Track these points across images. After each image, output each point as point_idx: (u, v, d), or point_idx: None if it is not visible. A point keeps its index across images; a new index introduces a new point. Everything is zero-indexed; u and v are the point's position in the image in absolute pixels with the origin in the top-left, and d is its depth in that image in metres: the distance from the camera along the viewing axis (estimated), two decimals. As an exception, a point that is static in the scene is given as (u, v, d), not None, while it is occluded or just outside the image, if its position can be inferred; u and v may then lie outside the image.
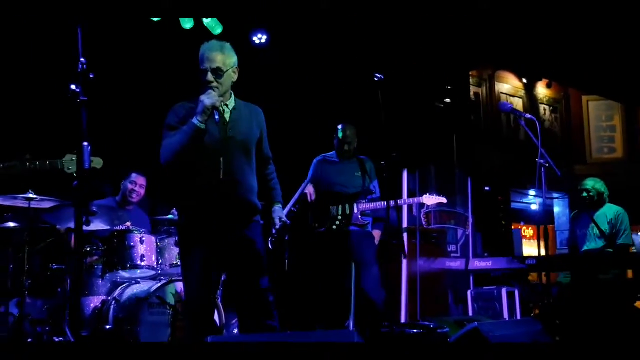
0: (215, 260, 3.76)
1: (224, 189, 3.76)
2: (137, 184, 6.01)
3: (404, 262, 6.60)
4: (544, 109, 11.26)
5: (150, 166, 6.35)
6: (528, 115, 4.92)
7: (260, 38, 7.67)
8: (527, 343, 3.45)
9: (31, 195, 4.70)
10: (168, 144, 3.73)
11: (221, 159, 3.74)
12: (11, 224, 5.07)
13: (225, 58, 3.81)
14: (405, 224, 6.91)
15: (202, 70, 3.77)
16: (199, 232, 3.73)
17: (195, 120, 3.68)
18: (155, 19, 6.77)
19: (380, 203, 5.66)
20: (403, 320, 6.44)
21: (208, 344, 2.87)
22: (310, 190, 5.73)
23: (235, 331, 5.55)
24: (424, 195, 5.92)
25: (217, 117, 3.77)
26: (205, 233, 3.73)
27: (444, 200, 5.94)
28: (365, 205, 5.71)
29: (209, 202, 3.75)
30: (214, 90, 3.75)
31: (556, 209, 11.07)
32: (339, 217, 5.70)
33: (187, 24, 7.03)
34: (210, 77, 3.75)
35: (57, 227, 5.33)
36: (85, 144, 2.87)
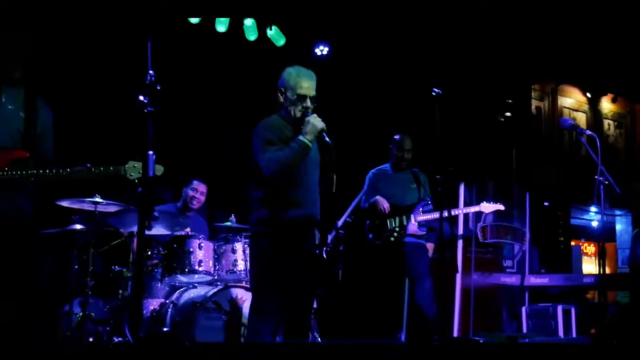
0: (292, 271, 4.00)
1: (316, 204, 4.11)
2: (198, 191, 6.16)
3: (458, 275, 6.57)
4: (608, 124, 11.03)
5: (211, 173, 6.54)
6: (588, 132, 4.87)
7: (322, 50, 7.77)
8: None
9: (97, 199, 4.88)
10: (275, 158, 3.96)
11: (334, 176, 4.12)
12: (77, 226, 5.26)
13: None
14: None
15: (300, 95, 4.07)
16: (288, 243, 3.98)
17: (304, 139, 3.97)
18: (221, 30, 6.94)
19: (436, 213, 5.66)
20: (455, 334, 6.41)
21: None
22: (385, 204, 5.77)
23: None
24: (482, 203, 5.92)
25: (327, 138, 4.07)
26: (293, 244, 4.00)
27: (501, 207, 5.92)
28: (421, 217, 5.74)
29: (305, 215, 4.05)
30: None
31: (618, 226, 10.82)
32: (397, 229, 5.74)
33: (251, 36, 7.18)
34: (309, 103, 4.07)
35: (121, 230, 5.51)
36: (151, 152, 3.00)
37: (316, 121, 4.00)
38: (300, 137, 3.97)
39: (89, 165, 3.74)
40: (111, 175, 3.74)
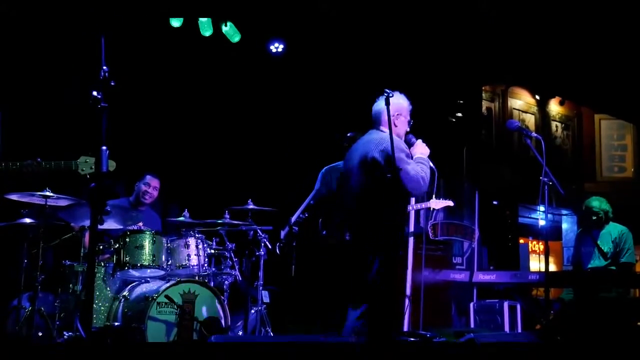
0: None
1: None
2: (151, 185, 6.15)
3: (408, 271, 6.69)
4: (556, 126, 11.30)
5: (164, 169, 6.52)
6: (534, 134, 5.03)
7: (277, 47, 7.80)
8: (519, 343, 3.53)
9: (48, 193, 4.84)
10: (426, 172, 4.38)
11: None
12: (27, 220, 5.20)
13: None
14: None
15: (409, 123, 4.63)
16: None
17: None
18: (175, 25, 6.92)
19: None
20: (406, 329, 6.53)
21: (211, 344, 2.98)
22: None
23: (240, 333, 5.68)
24: (431, 200, 6.02)
25: (431, 162, 4.55)
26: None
27: (450, 203, 6.05)
28: (372, 214, 5.81)
29: None
30: None
31: (564, 226, 11.11)
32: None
33: (206, 31, 7.18)
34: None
35: (72, 224, 5.48)
36: (104, 148, 3.01)
37: (425, 145, 4.53)
38: (424, 157, 4.46)
39: (39, 159, 3.73)
40: (62, 170, 3.73)
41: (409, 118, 4.59)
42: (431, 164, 4.55)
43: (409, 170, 4.26)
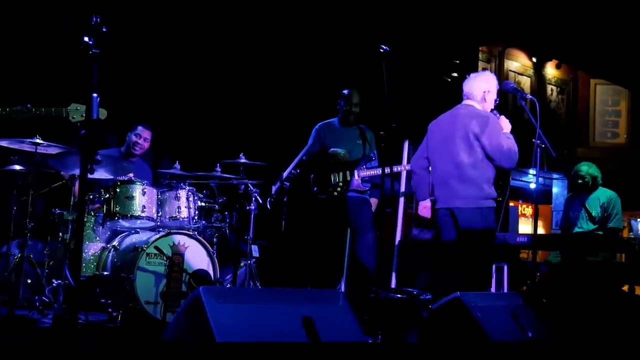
0: None
1: None
2: (142, 136, 6.10)
3: (398, 230, 6.71)
4: (551, 90, 11.27)
5: (157, 119, 6.47)
6: (528, 96, 5.02)
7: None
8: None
9: (38, 140, 4.79)
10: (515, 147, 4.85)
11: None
12: (17, 167, 5.16)
13: None
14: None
15: (495, 101, 5.04)
16: None
17: None
18: None
19: (379, 170, 5.75)
20: (393, 286, 6.58)
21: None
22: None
23: (229, 286, 5.71)
24: None
25: None
26: None
27: None
28: (364, 172, 5.81)
29: None
30: None
31: (555, 190, 11.16)
32: (340, 184, 5.81)
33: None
34: None
35: (62, 173, 5.45)
36: (95, 95, 2.97)
37: (507, 121, 4.94)
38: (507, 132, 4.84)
39: (29, 105, 3.68)
40: (52, 117, 3.69)
41: (496, 96, 5.02)
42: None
43: (503, 145, 4.73)
